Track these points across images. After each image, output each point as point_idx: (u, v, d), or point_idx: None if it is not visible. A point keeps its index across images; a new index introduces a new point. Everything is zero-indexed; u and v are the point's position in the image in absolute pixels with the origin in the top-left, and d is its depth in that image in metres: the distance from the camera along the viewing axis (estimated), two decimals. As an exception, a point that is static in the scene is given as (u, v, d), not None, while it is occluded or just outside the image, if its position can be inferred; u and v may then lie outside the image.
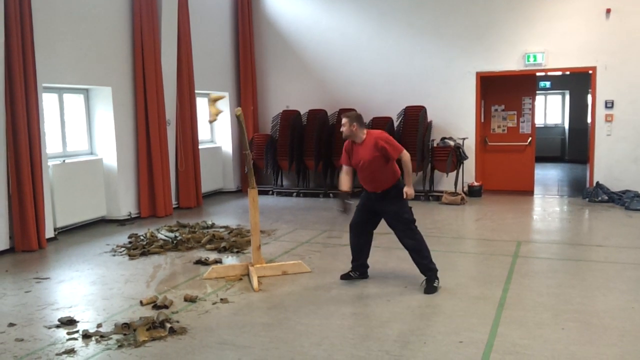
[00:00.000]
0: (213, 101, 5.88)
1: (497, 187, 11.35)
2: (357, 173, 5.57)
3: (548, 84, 16.83)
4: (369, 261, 5.84)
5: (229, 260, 6.74)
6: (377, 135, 5.39)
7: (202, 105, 11.06)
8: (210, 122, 5.98)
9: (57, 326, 4.66)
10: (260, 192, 9.21)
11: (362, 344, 4.23)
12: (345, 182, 5.56)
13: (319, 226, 8.49)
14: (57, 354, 4.13)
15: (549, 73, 11.90)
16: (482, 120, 11.37)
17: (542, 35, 10.46)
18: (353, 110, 11.09)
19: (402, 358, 3.95)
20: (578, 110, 16.41)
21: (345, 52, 11.68)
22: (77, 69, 8.25)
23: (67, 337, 4.44)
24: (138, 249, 7.10)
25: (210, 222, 8.66)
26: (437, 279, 5.42)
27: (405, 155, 5.36)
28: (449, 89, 11.06)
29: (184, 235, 7.66)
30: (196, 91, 10.59)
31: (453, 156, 10.41)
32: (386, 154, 5.29)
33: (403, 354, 4.01)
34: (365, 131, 5.43)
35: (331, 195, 11.15)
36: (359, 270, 5.78)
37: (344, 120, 5.41)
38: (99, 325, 4.64)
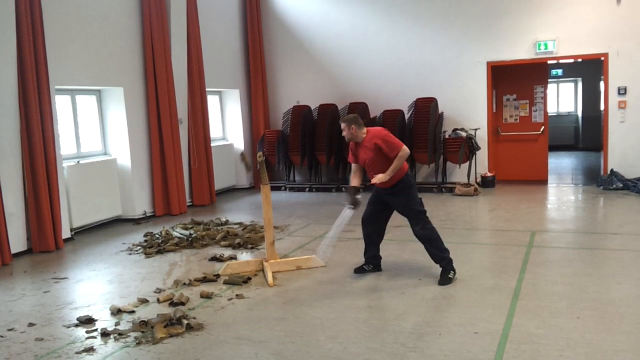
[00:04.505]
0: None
1: (511, 177, 11.29)
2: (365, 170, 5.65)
3: (560, 71, 16.68)
4: (382, 254, 5.87)
5: (244, 256, 6.78)
6: (375, 133, 5.45)
7: (213, 103, 11.11)
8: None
9: (76, 325, 4.73)
10: (273, 188, 9.28)
11: (378, 336, 4.25)
12: (354, 178, 5.63)
13: (332, 220, 8.42)
14: (76, 353, 4.19)
15: (561, 61, 11.80)
16: (494, 110, 11.31)
17: (552, 22, 10.37)
18: (363, 103, 11.21)
19: (417, 350, 3.97)
20: (591, 97, 16.31)
21: (354, 45, 11.67)
22: (89, 71, 8.32)
23: (86, 335, 4.50)
24: (154, 247, 7.17)
25: (224, 219, 8.71)
26: (453, 270, 5.42)
27: (404, 151, 5.32)
28: (459, 80, 11.01)
29: (198, 233, 7.72)
30: (207, 89, 10.64)
31: (465, 147, 10.37)
32: (383, 152, 5.33)
33: (418, 346, 4.03)
34: (364, 130, 5.50)
35: (343, 189, 11.14)
36: (372, 262, 5.81)
37: (342, 126, 5.50)
38: (117, 324, 4.70)
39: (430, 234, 5.48)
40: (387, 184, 5.44)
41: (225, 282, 5.65)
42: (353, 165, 5.68)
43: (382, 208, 5.64)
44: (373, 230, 5.73)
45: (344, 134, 5.53)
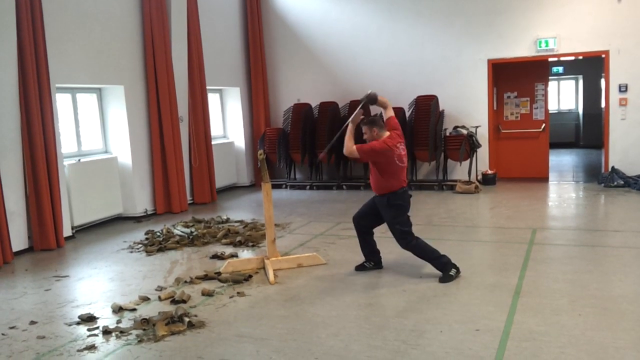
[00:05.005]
0: None
1: (512, 174, 11.29)
2: None
3: (561, 69, 16.67)
4: (384, 251, 5.88)
5: (245, 254, 6.79)
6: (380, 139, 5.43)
7: (213, 101, 11.11)
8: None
9: (78, 323, 4.73)
10: (274, 186, 9.28)
11: (379, 334, 4.25)
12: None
13: (333, 218, 8.51)
14: (78, 350, 4.20)
15: (562, 58, 11.79)
16: (495, 108, 11.31)
17: (553, 20, 10.36)
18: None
19: (418, 347, 3.97)
20: (592, 94, 16.29)
21: (355, 43, 11.66)
22: (90, 69, 8.32)
23: (88, 333, 4.50)
24: (155, 245, 7.18)
25: (225, 217, 8.72)
26: (455, 268, 5.42)
27: (352, 149, 5.35)
28: (460, 78, 11.00)
29: (199, 231, 7.72)
30: (208, 87, 10.64)
31: (466, 145, 10.37)
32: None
33: (420, 343, 4.03)
34: (387, 133, 5.46)
35: (344, 187, 11.17)
36: (372, 259, 5.82)
37: (364, 129, 5.49)
38: (119, 322, 4.70)
39: (417, 250, 5.49)
40: (376, 190, 5.51)
41: (226, 281, 5.64)
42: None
43: (374, 210, 5.64)
44: (362, 225, 5.73)
45: (365, 137, 5.50)
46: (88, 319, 4.76)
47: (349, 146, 5.40)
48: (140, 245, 7.31)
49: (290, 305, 4.96)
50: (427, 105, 10.60)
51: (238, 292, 5.29)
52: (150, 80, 9.26)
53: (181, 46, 9.81)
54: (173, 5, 9.53)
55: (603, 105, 10.62)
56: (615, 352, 3.75)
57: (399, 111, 10.72)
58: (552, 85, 16.96)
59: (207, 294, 5.27)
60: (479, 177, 10.86)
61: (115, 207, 8.85)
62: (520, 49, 10.61)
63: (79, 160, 8.34)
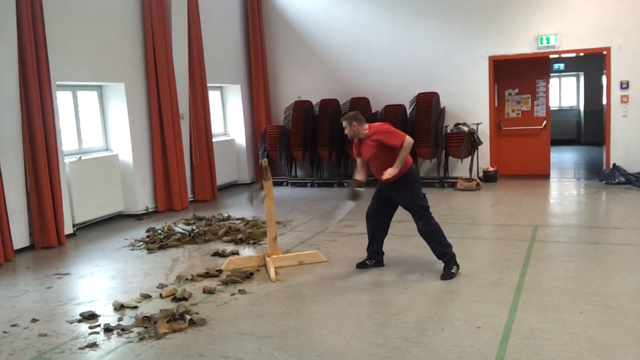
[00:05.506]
0: None
1: (513, 171, 11.27)
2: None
3: (562, 66, 16.64)
4: (385, 249, 5.86)
5: (246, 251, 6.79)
6: (376, 129, 5.46)
7: (214, 99, 11.10)
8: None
9: (79, 321, 4.73)
10: (275, 183, 9.26)
11: (380, 331, 4.25)
12: (359, 173, 5.67)
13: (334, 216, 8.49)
14: (79, 348, 4.20)
15: (563, 55, 11.78)
16: (496, 105, 11.29)
17: (554, 16, 10.34)
18: (365, 98, 11.19)
19: (420, 345, 3.97)
20: (593, 91, 16.26)
21: (356, 40, 11.64)
22: (90, 66, 8.30)
23: (89, 331, 4.50)
24: (156, 243, 7.18)
25: (226, 215, 8.71)
26: (456, 265, 5.41)
27: (408, 140, 5.34)
28: (461, 74, 10.98)
29: (200, 228, 7.72)
30: (208, 84, 10.63)
31: (467, 142, 10.35)
32: (385, 144, 5.33)
33: (421, 341, 4.03)
34: (366, 126, 5.51)
35: (345, 184, 11.15)
36: (374, 258, 5.81)
37: (344, 124, 5.53)
38: (120, 319, 4.70)
39: (432, 229, 5.46)
40: (391, 178, 5.44)
41: (227, 277, 5.64)
42: (358, 160, 5.69)
43: (386, 203, 5.63)
44: (376, 225, 5.73)
45: (346, 132, 5.55)
46: (89, 317, 4.76)
47: (404, 150, 5.28)
48: (141, 243, 7.31)
49: (291, 303, 4.96)
50: (428, 103, 10.58)
51: (239, 290, 5.29)
52: (151, 77, 9.25)
53: (182, 43, 9.80)
54: (173, 3, 9.51)
55: (604, 102, 10.59)
56: (617, 350, 3.75)
57: (399, 108, 10.72)
58: (554, 82, 16.91)
59: (209, 291, 5.27)
60: (480, 174, 10.85)
61: (116, 204, 8.84)
62: (522, 45, 10.59)
63: (80, 157, 8.34)
